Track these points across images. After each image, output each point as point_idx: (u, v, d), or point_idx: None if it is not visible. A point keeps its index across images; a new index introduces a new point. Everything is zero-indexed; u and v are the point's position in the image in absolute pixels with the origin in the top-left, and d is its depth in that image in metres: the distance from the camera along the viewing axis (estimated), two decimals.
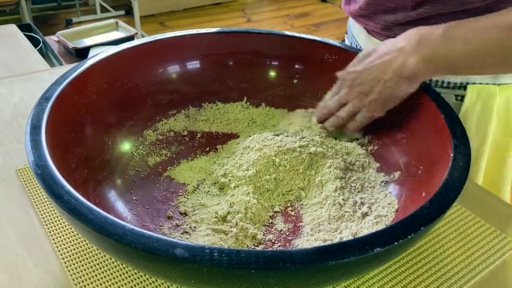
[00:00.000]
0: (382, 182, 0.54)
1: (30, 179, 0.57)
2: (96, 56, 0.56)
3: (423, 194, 0.45)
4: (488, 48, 0.49)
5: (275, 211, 0.52)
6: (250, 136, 0.61)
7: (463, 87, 0.64)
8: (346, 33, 0.82)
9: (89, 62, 0.55)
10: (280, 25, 3.33)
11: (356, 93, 0.57)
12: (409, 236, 0.34)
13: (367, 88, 0.55)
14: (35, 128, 0.43)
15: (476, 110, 0.64)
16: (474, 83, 0.63)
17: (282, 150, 0.55)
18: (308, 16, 3.56)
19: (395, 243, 0.34)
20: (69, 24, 3.06)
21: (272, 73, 0.69)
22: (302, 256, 0.32)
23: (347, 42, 0.80)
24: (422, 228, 0.35)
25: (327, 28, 3.28)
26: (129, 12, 3.20)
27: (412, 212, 0.37)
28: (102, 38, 1.51)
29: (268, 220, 0.51)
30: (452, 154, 0.43)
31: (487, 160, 0.66)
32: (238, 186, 0.53)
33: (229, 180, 0.54)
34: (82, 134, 0.51)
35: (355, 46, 0.74)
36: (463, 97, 0.64)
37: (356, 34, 0.75)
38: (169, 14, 3.40)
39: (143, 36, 1.12)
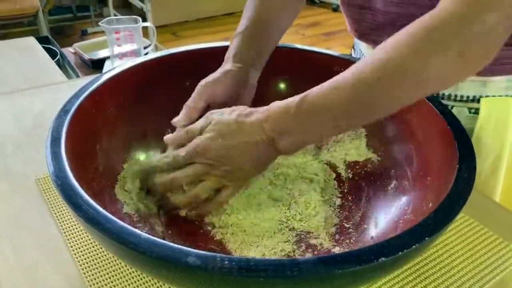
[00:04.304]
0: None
1: (49, 188, 0.59)
2: (112, 70, 0.59)
3: (430, 204, 0.46)
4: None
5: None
6: None
7: (477, 100, 0.64)
8: (353, 48, 0.82)
9: (106, 76, 0.57)
10: (291, 34, 3.35)
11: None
12: (414, 246, 0.35)
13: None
14: (55, 140, 0.45)
15: (491, 123, 0.64)
16: (488, 96, 0.63)
17: None
18: (320, 26, 3.58)
19: (400, 252, 0.35)
20: (84, 34, 3.13)
21: (282, 85, 0.70)
22: (310, 265, 0.33)
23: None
24: (426, 238, 0.36)
25: (338, 38, 3.29)
26: None
27: (417, 223, 0.38)
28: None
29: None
30: (457, 166, 0.44)
31: (505, 173, 0.66)
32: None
33: None
34: (99, 146, 0.53)
35: None
36: (477, 110, 0.64)
37: (365, 51, 0.76)
38: (182, 25, 3.45)
39: (156, 47, 1.15)
